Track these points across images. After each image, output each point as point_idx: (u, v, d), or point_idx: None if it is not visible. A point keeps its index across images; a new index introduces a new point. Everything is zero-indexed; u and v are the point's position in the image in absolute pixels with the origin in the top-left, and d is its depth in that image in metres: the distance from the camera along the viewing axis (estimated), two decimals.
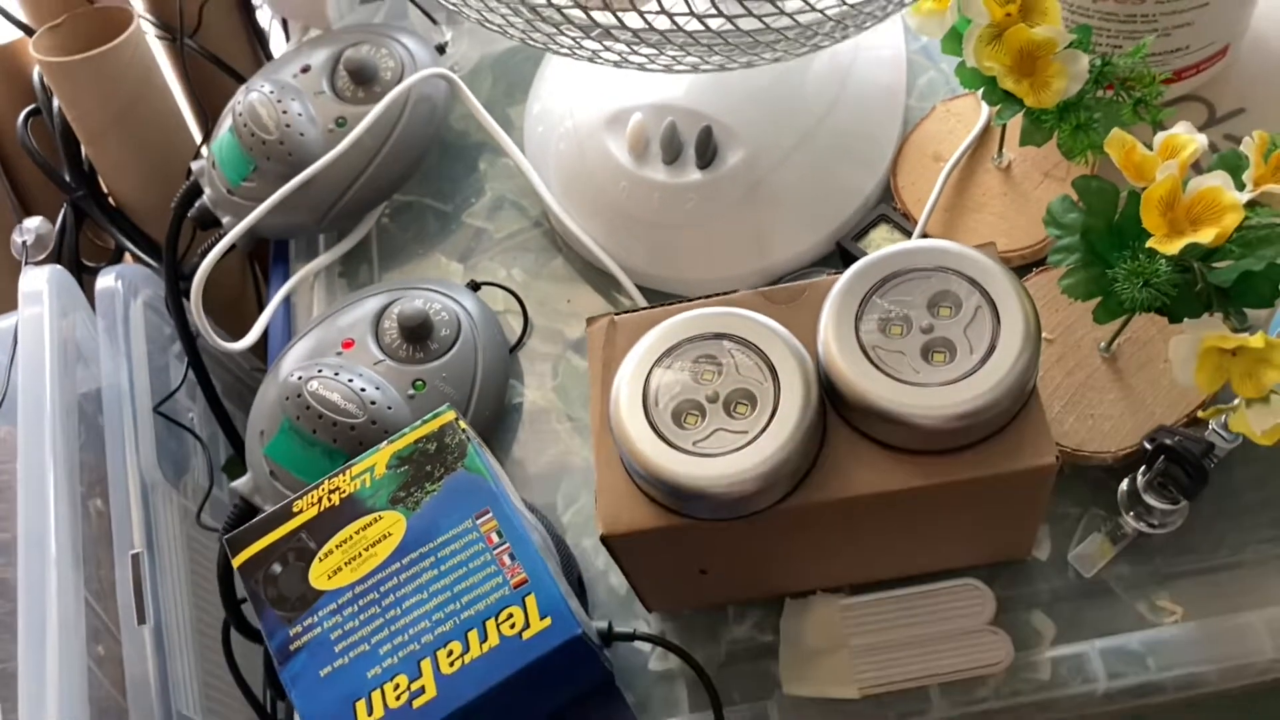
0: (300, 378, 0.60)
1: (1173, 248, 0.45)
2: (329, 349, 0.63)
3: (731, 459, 0.46)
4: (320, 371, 0.60)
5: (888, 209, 0.65)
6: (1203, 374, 0.47)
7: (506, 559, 0.47)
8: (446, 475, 0.49)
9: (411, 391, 0.61)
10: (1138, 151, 0.47)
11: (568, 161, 0.67)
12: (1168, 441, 0.51)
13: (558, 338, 0.67)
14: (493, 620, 0.46)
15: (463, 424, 0.51)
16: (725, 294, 0.53)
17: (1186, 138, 0.47)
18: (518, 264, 0.70)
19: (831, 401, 0.49)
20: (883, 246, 0.63)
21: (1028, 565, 0.56)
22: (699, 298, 0.52)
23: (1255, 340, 0.45)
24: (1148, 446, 0.53)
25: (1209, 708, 0.60)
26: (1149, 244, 0.45)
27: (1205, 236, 0.44)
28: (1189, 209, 0.46)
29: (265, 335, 0.70)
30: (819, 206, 0.64)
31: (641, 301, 0.65)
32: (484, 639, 0.46)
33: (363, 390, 0.59)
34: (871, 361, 0.47)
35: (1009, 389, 0.45)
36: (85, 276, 0.82)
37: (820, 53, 0.64)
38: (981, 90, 0.55)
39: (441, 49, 0.74)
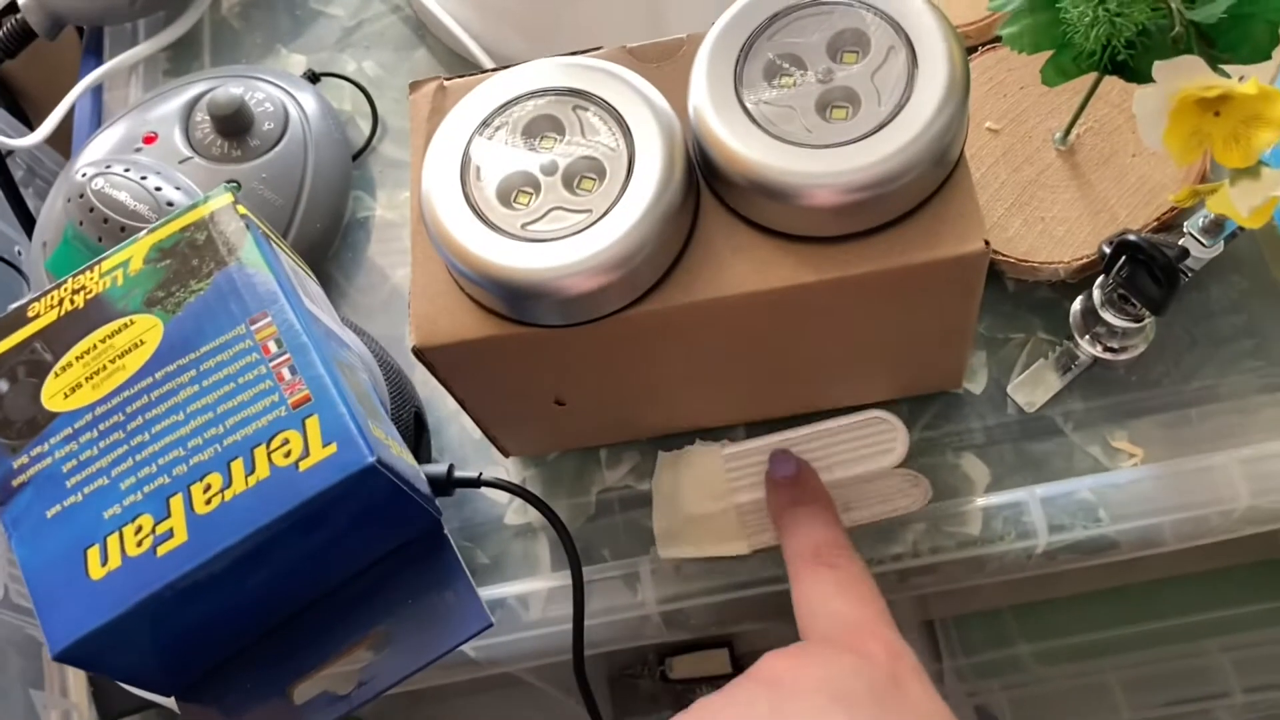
0: (85, 175, 0.49)
1: None
2: (130, 145, 0.52)
3: (570, 243, 0.36)
4: (109, 168, 0.49)
5: None
6: (1175, 136, 0.36)
7: (286, 373, 0.37)
8: (217, 270, 0.39)
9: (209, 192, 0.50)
10: None
11: None
12: (1133, 238, 0.41)
13: None
14: (263, 447, 0.36)
15: (242, 208, 0.40)
16: (584, 51, 0.42)
17: None
18: (372, 56, 0.58)
19: (707, 180, 0.38)
20: None
21: (958, 399, 0.47)
22: (562, 55, 0.42)
23: (1247, 86, 0.35)
24: (1106, 250, 0.43)
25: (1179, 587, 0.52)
26: None
27: None
28: None
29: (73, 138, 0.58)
30: None
31: None
32: (251, 470, 0.36)
33: (159, 190, 0.48)
34: (752, 119, 0.36)
35: (926, 149, 0.35)
36: None
37: None
38: None
39: None
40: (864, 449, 0.45)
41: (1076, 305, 0.46)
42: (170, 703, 0.40)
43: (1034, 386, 0.46)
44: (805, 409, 0.47)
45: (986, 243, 0.36)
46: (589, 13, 0.53)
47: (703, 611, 0.45)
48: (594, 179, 0.37)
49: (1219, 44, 0.38)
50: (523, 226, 0.36)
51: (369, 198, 0.55)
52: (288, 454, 0.36)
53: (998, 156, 0.48)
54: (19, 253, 0.69)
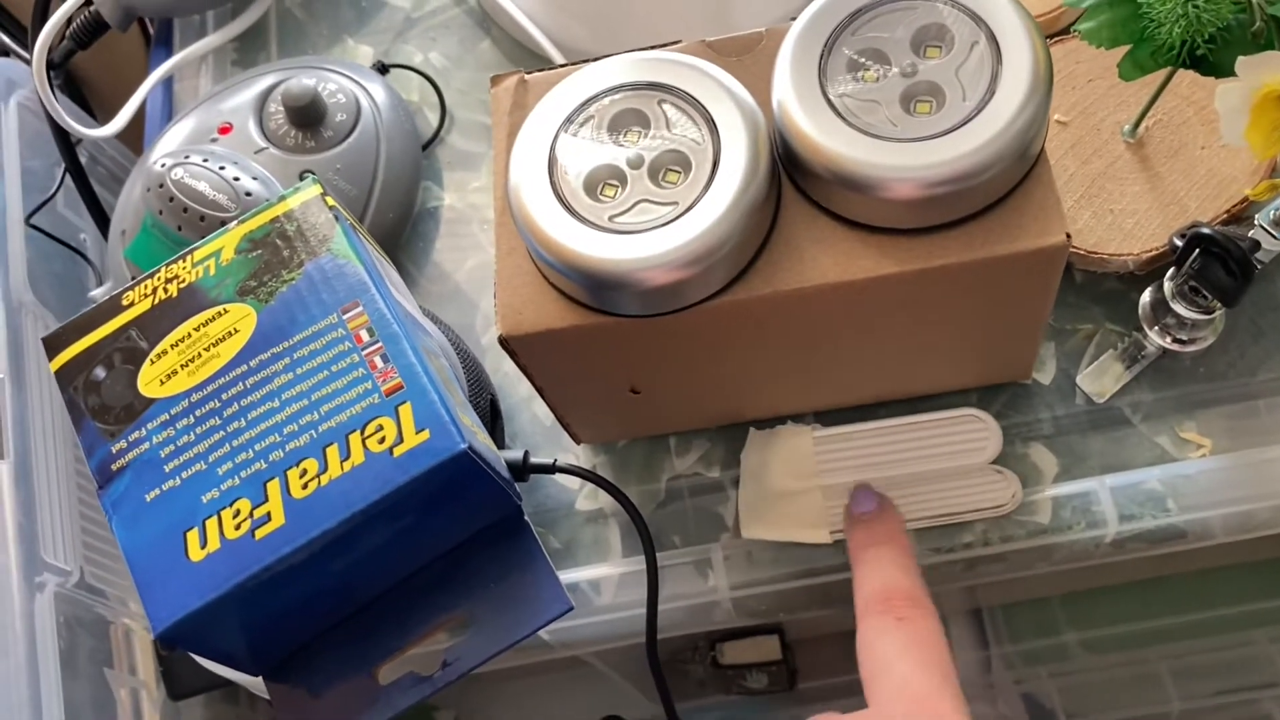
0: (165, 165, 0.50)
1: None
2: (205, 135, 0.53)
3: (656, 235, 0.36)
4: (188, 158, 0.50)
5: None
6: (1258, 130, 0.37)
7: (378, 361, 0.38)
8: (309, 260, 0.40)
9: (299, 184, 0.51)
10: None
11: None
12: (1206, 230, 0.41)
13: (484, 133, 0.57)
14: (358, 434, 0.37)
15: (330, 200, 0.41)
16: (661, 46, 0.42)
17: None
18: (437, 47, 0.59)
19: (789, 172, 0.39)
20: None
21: (1027, 389, 0.47)
22: (642, 49, 0.42)
23: None
24: (1178, 243, 0.43)
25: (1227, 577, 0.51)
26: None
27: None
28: None
29: (144, 129, 0.59)
30: None
31: None
32: (346, 456, 0.37)
33: (236, 180, 0.49)
34: (836, 112, 0.37)
35: (1010, 144, 0.35)
36: None
37: None
38: None
39: None
40: (957, 445, 0.45)
41: (1146, 297, 0.46)
42: (258, 683, 0.41)
43: (1102, 377, 0.46)
44: (875, 399, 0.47)
45: (1068, 235, 0.37)
46: (656, 6, 0.54)
47: (773, 598, 0.46)
48: (679, 172, 0.38)
49: None
50: (610, 219, 0.37)
51: (437, 188, 0.56)
52: (382, 440, 0.37)
53: (1067, 149, 0.48)
54: (84, 239, 0.70)
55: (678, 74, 0.39)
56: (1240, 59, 0.36)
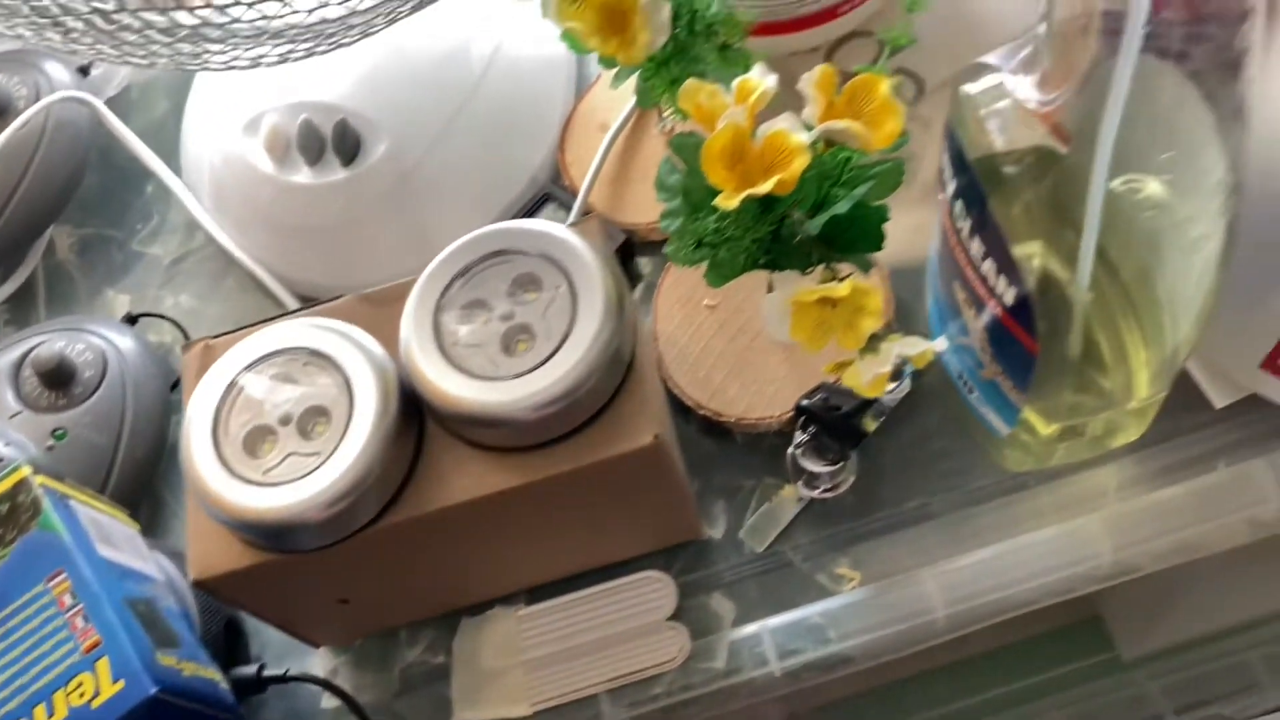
0: None
1: (732, 202, 0.41)
2: None
3: (300, 485, 0.42)
4: None
5: (553, 186, 0.61)
6: (800, 329, 0.43)
7: (79, 622, 0.43)
8: (20, 537, 0.45)
9: (51, 442, 0.57)
10: (709, 101, 0.44)
11: (217, 175, 0.63)
12: (805, 404, 0.48)
13: None
14: (62, 691, 0.42)
15: (40, 479, 0.46)
16: (327, 301, 0.49)
17: (755, 81, 0.43)
18: (188, 289, 0.65)
19: (428, 404, 0.45)
20: None
21: (705, 544, 0.53)
22: (298, 310, 0.49)
23: (841, 289, 0.42)
24: (798, 410, 0.50)
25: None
26: (717, 200, 0.42)
27: (764, 186, 0.41)
28: (762, 158, 0.43)
29: None
30: (481, 189, 0.61)
31: None
32: (51, 713, 0.42)
33: None
34: (448, 359, 0.43)
35: (588, 370, 0.42)
36: None
37: (462, 21, 0.61)
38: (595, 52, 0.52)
39: (85, 70, 0.69)
40: (640, 605, 0.51)
41: (789, 453, 0.53)
42: None
43: (760, 528, 0.52)
44: (573, 572, 0.53)
45: (657, 436, 0.43)
46: (367, 247, 0.60)
47: None
48: (324, 423, 0.44)
49: (837, 244, 0.45)
50: (265, 473, 0.43)
51: None
52: (82, 694, 0.42)
53: (716, 329, 0.55)
54: None
55: (319, 338, 0.45)
56: (774, 275, 0.43)
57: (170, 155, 0.68)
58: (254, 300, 0.64)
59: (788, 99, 0.43)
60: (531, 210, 0.61)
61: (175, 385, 0.61)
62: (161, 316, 0.63)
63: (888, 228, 0.44)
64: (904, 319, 0.55)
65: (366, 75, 0.59)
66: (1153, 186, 0.40)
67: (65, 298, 0.67)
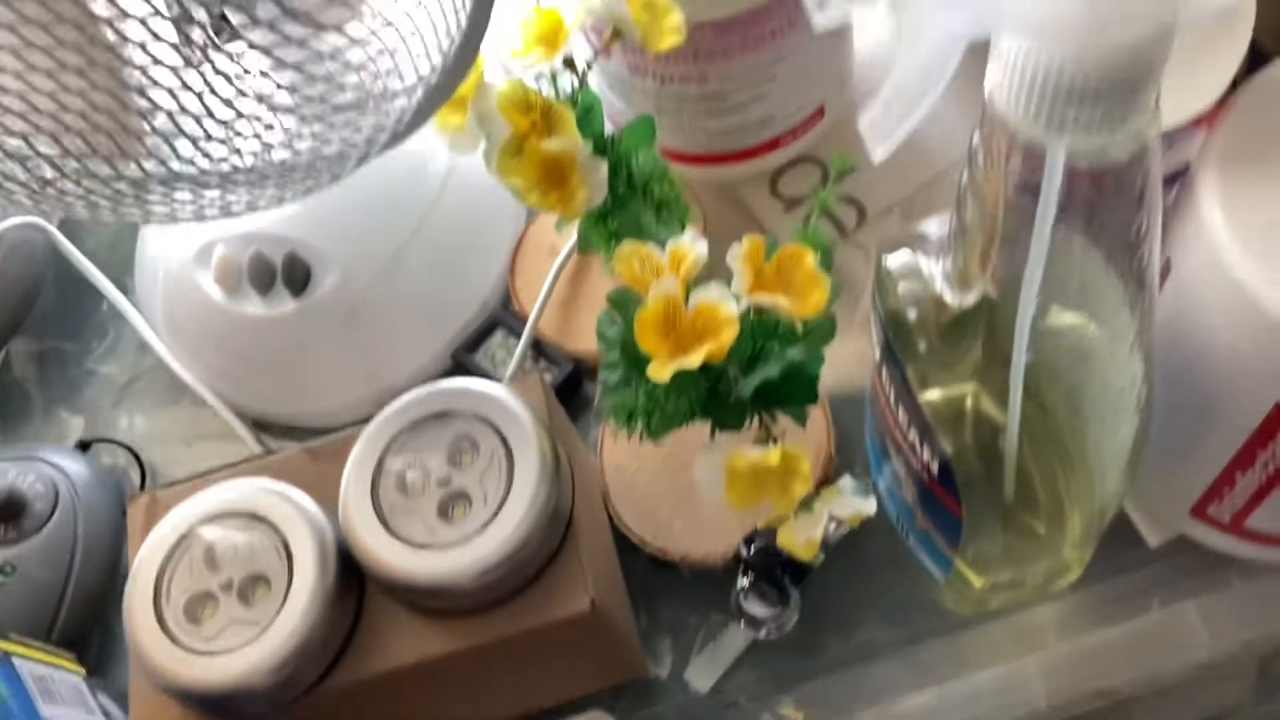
0: None
1: (665, 372, 0.42)
2: None
3: (241, 654, 0.43)
4: None
5: (503, 312, 0.62)
6: (735, 492, 0.44)
7: None
8: None
9: (1, 580, 0.57)
10: (643, 266, 0.45)
11: (169, 303, 0.63)
12: (744, 555, 0.49)
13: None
14: None
15: None
16: (271, 454, 0.49)
17: (686, 248, 0.44)
18: (140, 410, 0.66)
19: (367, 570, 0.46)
20: (498, 356, 0.60)
21: (651, 683, 0.54)
22: (243, 461, 0.49)
23: (771, 457, 0.43)
24: (742, 550, 0.51)
25: None
26: (649, 371, 0.43)
27: (694, 359, 0.42)
28: (693, 326, 0.43)
29: None
30: (430, 318, 0.61)
31: (252, 446, 0.61)
32: None
33: None
34: (386, 527, 0.44)
35: (525, 537, 0.43)
36: None
37: (410, 154, 0.61)
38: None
39: None
40: None
41: (733, 595, 0.53)
42: None
43: (706, 667, 0.53)
44: (530, 710, 0.53)
45: (594, 602, 0.44)
46: (309, 369, 0.61)
47: None
48: (265, 588, 0.44)
49: (771, 400, 0.46)
50: (206, 641, 0.43)
51: None
52: None
53: (661, 460, 0.56)
54: None
55: (260, 501, 0.45)
56: (706, 444, 0.44)
57: (126, 270, 0.68)
58: (208, 421, 0.64)
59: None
60: (480, 338, 0.61)
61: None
62: (114, 442, 0.64)
63: (829, 353, 0.45)
64: (845, 450, 0.56)
65: (317, 203, 0.59)
66: (1076, 341, 0.40)
67: (20, 416, 0.67)
